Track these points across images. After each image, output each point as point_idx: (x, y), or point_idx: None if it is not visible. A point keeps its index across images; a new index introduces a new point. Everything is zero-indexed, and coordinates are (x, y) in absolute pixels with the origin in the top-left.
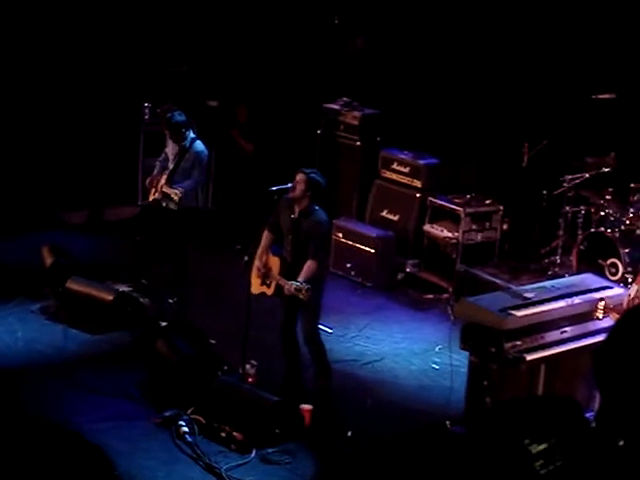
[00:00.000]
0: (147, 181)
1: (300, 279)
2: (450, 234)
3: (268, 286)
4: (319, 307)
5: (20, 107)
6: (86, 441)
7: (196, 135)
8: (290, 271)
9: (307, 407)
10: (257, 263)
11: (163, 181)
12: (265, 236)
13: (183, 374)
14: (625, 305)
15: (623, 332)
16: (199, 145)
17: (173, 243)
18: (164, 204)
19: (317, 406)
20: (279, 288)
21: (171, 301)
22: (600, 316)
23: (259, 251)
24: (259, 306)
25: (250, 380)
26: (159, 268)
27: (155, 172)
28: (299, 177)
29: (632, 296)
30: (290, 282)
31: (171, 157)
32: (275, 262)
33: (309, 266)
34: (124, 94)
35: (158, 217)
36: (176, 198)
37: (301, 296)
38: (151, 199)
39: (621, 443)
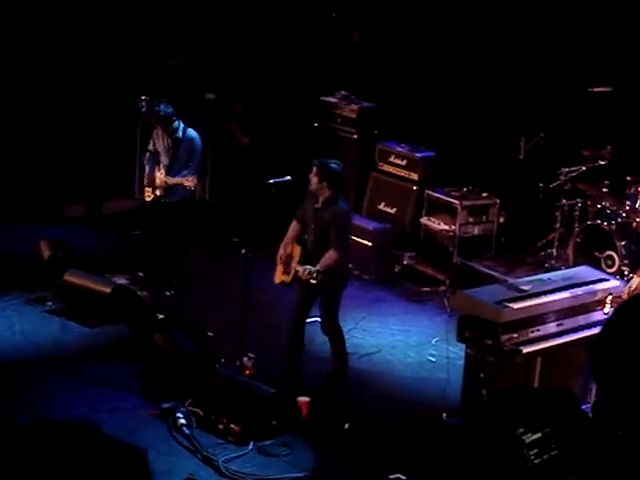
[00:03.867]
0: (145, 182)
1: (318, 266)
2: (447, 227)
3: (288, 274)
4: (339, 296)
5: (18, 100)
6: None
7: (186, 125)
8: (311, 260)
9: (304, 399)
10: (281, 251)
11: (162, 176)
12: (292, 226)
13: (181, 366)
14: (625, 297)
15: (619, 324)
16: (192, 132)
17: (173, 237)
18: (163, 200)
19: (328, 390)
20: (295, 279)
21: (168, 294)
22: (607, 310)
23: (284, 240)
24: (257, 299)
25: (247, 372)
26: (157, 261)
27: (148, 171)
28: (314, 170)
29: (633, 288)
30: (304, 267)
31: (163, 150)
32: (296, 250)
33: (330, 255)
34: (121, 87)
35: (158, 213)
36: (192, 184)
37: (313, 280)
38: (150, 198)
39: (620, 433)
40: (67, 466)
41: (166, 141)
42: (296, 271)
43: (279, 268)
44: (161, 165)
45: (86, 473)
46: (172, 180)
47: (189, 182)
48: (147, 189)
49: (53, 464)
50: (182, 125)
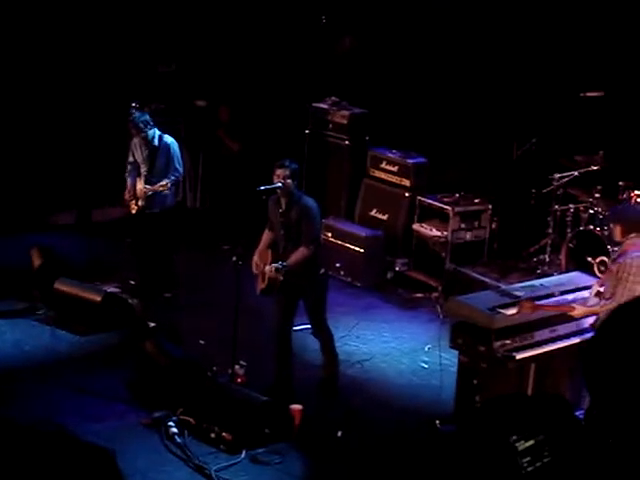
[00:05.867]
0: (126, 196)
1: (287, 262)
2: (439, 233)
3: (264, 281)
4: (323, 298)
5: (7, 107)
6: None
7: (183, 135)
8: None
9: (297, 407)
10: (255, 259)
11: (141, 186)
12: (265, 235)
13: (172, 374)
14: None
15: (608, 333)
16: (167, 138)
17: (158, 247)
18: (147, 211)
19: (323, 395)
20: (270, 282)
21: (168, 295)
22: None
23: (258, 249)
24: (248, 306)
25: (239, 380)
26: (146, 271)
27: (130, 183)
28: (282, 172)
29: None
30: (270, 265)
31: (142, 160)
32: (268, 255)
33: (300, 250)
34: (112, 94)
35: (143, 224)
36: (165, 189)
37: (279, 276)
38: (135, 210)
39: (611, 441)
40: (34, 467)
41: (144, 151)
42: (270, 280)
43: (259, 278)
44: (142, 175)
45: (54, 474)
46: (149, 188)
47: (162, 187)
48: (130, 202)
49: (20, 466)
50: (158, 132)
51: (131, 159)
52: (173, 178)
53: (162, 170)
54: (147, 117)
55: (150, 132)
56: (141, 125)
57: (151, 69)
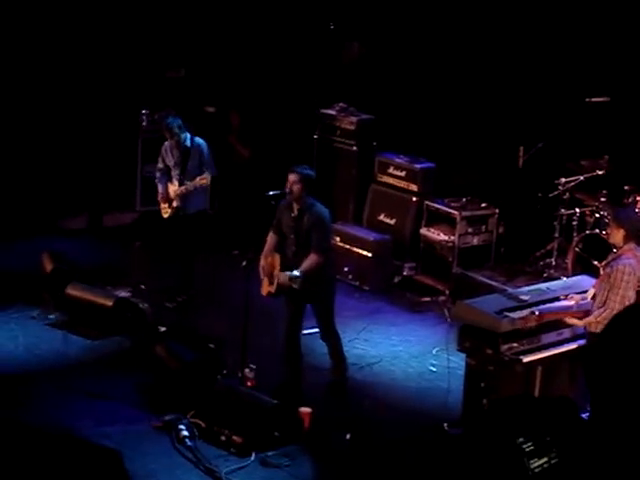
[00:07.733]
0: (159, 199)
1: (300, 269)
2: (446, 237)
3: (273, 284)
4: (332, 301)
5: (19, 113)
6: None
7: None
8: (292, 270)
9: (306, 410)
10: (262, 263)
11: (174, 188)
12: (270, 237)
13: (182, 378)
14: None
15: (610, 337)
16: (199, 140)
17: (185, 249)
18: (181, 213)
19: (331, 398)
20: (279, 288)
21: (170, 306)
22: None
23: (264, 252)
24: (257, 310)
25: (249, 384)
26: (161, 273)
27: (161, 189)
28: (293, 177)
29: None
30: (284, 273)
31: (173, 164)
32: (277, 259)
33: (311, 258)
34: (122, 100)
35: (176, 226)
36: (206, 182)
37: (295, 285)
38: (167, 214)
39: (613, 441)
40: (42, 468)
41: (176, 154)
42: (278, 278)
43: (264, 280)
44: (174, 179)
45: (62, 475)
46: (188, 185)
47: (203, 180)
48: (163, 206)
49: (27, 467)
50: (189, 135)
51: (160, 165)
52: (209, 172)
53: (194, 170)
54: (179, 121)
55: (183, 135)
56: (175, 129)
57: (160, 75)
